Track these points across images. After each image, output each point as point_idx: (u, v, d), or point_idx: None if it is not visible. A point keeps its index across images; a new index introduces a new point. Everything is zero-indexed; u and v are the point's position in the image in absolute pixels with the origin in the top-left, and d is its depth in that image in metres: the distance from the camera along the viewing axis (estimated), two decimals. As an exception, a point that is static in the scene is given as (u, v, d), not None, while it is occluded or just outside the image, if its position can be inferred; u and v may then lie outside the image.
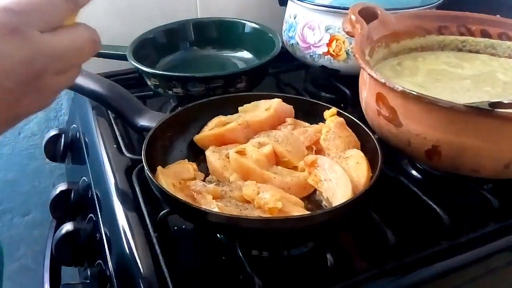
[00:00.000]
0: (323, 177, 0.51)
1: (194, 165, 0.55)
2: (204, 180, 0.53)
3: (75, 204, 0.69)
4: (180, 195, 0.47)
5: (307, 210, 0.49)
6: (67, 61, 0.36)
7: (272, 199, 0.46)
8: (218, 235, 0.52)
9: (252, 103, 0.62)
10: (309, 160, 0.53)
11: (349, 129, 0.57)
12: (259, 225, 0.43)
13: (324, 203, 0.51)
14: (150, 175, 0.48)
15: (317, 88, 0.87)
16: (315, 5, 0.77)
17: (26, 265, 1.15)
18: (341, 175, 0.50)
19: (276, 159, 0.56)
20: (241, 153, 0.54)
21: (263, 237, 0.48)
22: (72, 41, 0.36)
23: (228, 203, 0.48)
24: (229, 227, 0.45)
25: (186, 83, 0.69)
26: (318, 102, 0.63)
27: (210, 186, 0.50)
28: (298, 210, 0.47)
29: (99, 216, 0.59)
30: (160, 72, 0.76)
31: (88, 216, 0.63)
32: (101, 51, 0.79)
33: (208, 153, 0.57)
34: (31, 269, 1.14)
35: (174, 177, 0.51)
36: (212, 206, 0.46)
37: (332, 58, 0.78)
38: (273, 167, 0.54)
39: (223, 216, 0.44)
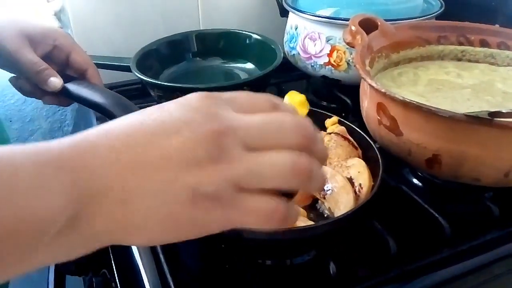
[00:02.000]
0: (325, 187, 0.51)
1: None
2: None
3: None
4: None
5: (309, 220, 0.49)
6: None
7: None
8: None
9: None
10: None
11: (350, 137, 0.58)
12: (262, 236, 0.44)
13: (326, 211, 0.52)
14: None
15: (318, 98, 0.87)
16: (316, 16, 0.78)
17: (30, 276, 1.15)
18: (343, 185, 0.50)
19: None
20: None
21: (266, 248, 0.48)
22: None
23: None
24: (232, 238, 0.45)
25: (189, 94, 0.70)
26: (319, 110, 0.64)
27: None
28: (301, 220, 0.47)
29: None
30: (164, 83, 0.77)
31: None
32: (105, 63, 0.80)
33: None
34: (35, 280, 1.14)
35: None
36: None
37: (333, 68, 0.79)
38: None
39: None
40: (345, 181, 0.50)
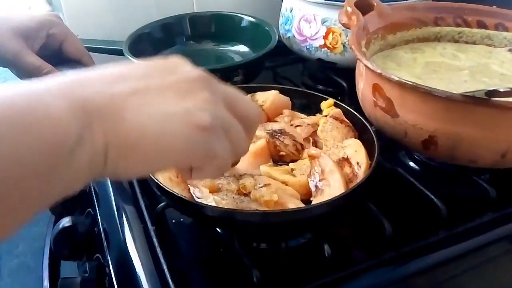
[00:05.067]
0: (319, 177, 0.50)
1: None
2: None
3: (73, 199, 0.69)
4: (177, 189, 0.47)
5: (303, 202, 0.49)
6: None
7: (268, 191, 0.46)
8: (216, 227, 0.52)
9: (249, 95, 0.63)
10: (311, 154, 0.52)
11: (346, 119, 0.57)
12: (254, 218, 0.44)
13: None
14: None
15: (314, 81, 0.87)
16: (311, -3, 0.77)
17: (25, 262, 1.15)
18: (338, 182, 0.49)
19: (273, 153, 0.55)
20: None
21: (259, 230, 0.48)
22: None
23: (224, 196, 0.48)
24: (225, 220, 0.45)
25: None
26: (315, 93, 0.63)
27: (206, 179, 0.50)
28: (294, 202, 0.47)
29: (97, 211, 0.59)
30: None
31: (86, 211, 0.63)
32: (98, 46, 0.79)
33: None
34: (31, 266, 1.14)
35: (171, 171, 0.51)
36: (209, 199, 0.46)
37: (328, 50, 0.78)
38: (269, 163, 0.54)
39: (219, 210, 0.44)
40: (342, 180, 0.49)
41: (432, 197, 0.52)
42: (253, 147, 0.53)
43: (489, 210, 0.54)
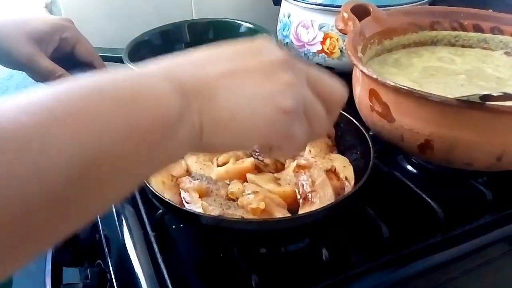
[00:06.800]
0: (310, 189, 0.50)
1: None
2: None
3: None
4: (169, 193, 0.47)
5: (289, 212, 0.49)
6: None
7: (255, 199, 0.46)
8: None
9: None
10: (301, 164, 0.52)
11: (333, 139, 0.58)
12: (238, 226, 0.44)
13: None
14: None
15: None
16: (308, 3, 0.78)
17: (28, 268, 1.15)
18: (330, 195, 0.49)
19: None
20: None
21: (243, 237, 0.48)
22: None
23: (213, 201, 0.48)
24: (209, 226, 0.46)
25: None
26: None
27: (195, 183, 0.50)
28: (281, 211, 0.47)
29: (98, 217, 0.60)
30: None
31: (87, 217, 0.64)
32: (98, 54, 0.80)
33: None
34: (33, 272, 1.15)
35: (166, 173, 0.51)
36: (197, 204, 0.47)
37: (326, 56, 0.78)
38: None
39: (204, 217, 0.45)
40: (333, 194, 0.49)
41: (429, 200, 0.53)
42: (238, 166, 0.53)
43: (486, 213, 0.54)
